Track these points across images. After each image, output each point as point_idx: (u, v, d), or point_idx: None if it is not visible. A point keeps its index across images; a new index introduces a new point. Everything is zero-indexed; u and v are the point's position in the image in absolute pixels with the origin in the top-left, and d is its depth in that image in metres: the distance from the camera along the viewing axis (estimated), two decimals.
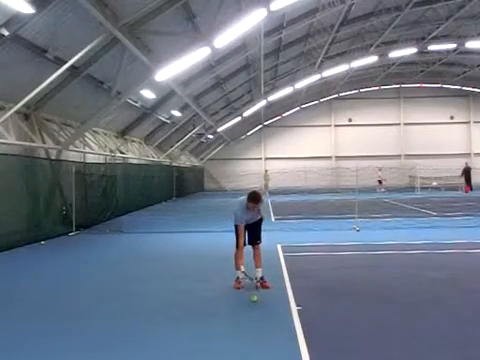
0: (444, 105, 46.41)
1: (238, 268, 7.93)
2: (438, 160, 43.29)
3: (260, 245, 8.22)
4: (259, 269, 7.97)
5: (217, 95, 30.54)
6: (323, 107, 47.10)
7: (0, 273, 9.77)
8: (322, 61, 30.18)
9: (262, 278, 7.92)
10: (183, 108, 27.55)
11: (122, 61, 15.70)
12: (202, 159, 45.74)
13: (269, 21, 17.72)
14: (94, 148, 20.04)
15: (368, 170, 36.76)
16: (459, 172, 35.55)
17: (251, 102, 35.18)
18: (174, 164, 34.50)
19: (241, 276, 7.83)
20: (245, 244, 8.05)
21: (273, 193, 36.68)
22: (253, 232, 8.19)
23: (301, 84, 32.45)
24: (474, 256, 10.55)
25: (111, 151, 21.80)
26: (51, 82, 13.56)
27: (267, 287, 7.83)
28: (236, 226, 8.08)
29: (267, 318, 6.46)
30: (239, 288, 7.82)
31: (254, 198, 7.94)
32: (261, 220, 8.33)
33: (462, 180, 34.74)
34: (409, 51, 30.56)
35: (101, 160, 21.13)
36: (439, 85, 45.50)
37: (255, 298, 7.10)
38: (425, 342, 5.47)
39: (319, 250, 11.48)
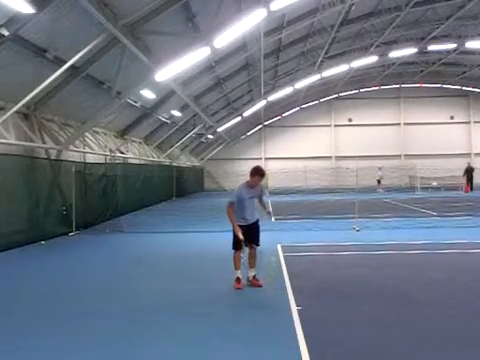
0: (444, 105, 46.45)
1: (237, 269, 7.99)
2: (438, 160, 43.28)
3: (256, 248, 8.17)
4: (253, 269, 8.10)
5: (217, 95, 30.52)
6: (323, 107, 47.12)
7: (0, 273, 9.77)
8: (322, 61, 30.19)
9: (254, 276, 8.04)
10: (183, 108, 27.54)
11: (122, 61, 15.69)
12: (202, 159, 45.74)
13: (269, 21, 17.72)
14: (94, 148, 20.04)
15: (368, 170, 36.73)
16: (460, 172, 35.53)
17: (251, 102, 35.20)
18: (174, 164, 34.50)
19: (239, 274, 7.93)
20: (241, 247, 8.00)
21: (273, 193, 36.63)
22: (252, 234, 8.11)
23: (301, 84, 32.47)
24: (474, 256, 10.55)
25: (111, 151, 21.80)
26: (51, 82, 13.56)
27: (259, 285, 7.94)
28: (230, 214, 7.90)
29: (267, 318, 6.46)
30: (239, 288, 7.84)
31: (257, 171, 7.88)
32: (258, 221, 8.27)
33: (463, 180, 34.70)
34: (409, 51, 30.60)
35: (101, 160, 21.13)
36: (439, 85, 45.54)
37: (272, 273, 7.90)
38: (425, 342, 5.47)
39: (319, 250, 11.49)
